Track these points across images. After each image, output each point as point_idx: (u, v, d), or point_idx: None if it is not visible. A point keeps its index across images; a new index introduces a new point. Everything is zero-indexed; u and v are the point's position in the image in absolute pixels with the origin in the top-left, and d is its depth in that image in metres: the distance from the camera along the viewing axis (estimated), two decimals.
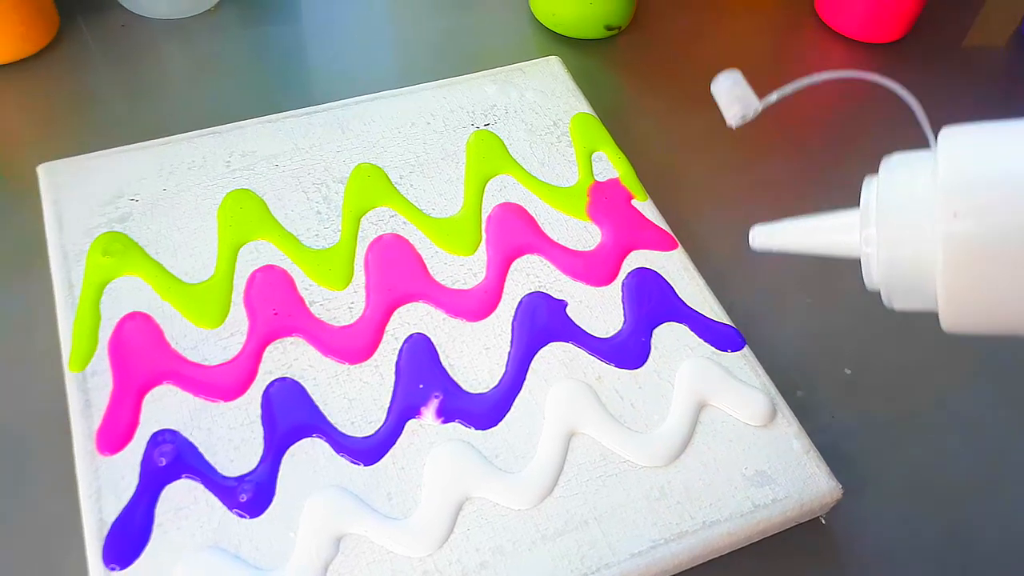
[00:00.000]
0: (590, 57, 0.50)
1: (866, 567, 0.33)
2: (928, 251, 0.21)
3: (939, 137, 0.21)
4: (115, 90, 0.45)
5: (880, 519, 0.34)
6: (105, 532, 0.28)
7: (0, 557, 0.30)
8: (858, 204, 0.22)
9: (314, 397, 0.32)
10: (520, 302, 0.36)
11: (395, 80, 0.45)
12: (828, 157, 0.47)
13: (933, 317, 0.21)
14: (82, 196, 0.37)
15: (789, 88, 0.24)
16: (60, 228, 0.36)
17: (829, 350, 0.39)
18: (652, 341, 0.35)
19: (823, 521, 0.33)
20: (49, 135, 0.42)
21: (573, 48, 0.51)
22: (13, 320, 0.35)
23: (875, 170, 0.22)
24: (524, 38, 0.51)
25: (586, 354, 0.34)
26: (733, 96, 0.25)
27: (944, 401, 0.38)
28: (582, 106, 0.44)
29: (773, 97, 0.24)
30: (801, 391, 0.37)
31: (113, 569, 0.28)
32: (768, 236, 0.25)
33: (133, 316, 0.34)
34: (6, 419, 0.32)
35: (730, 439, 0.33)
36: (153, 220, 0.37)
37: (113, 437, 0.30)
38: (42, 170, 0.38)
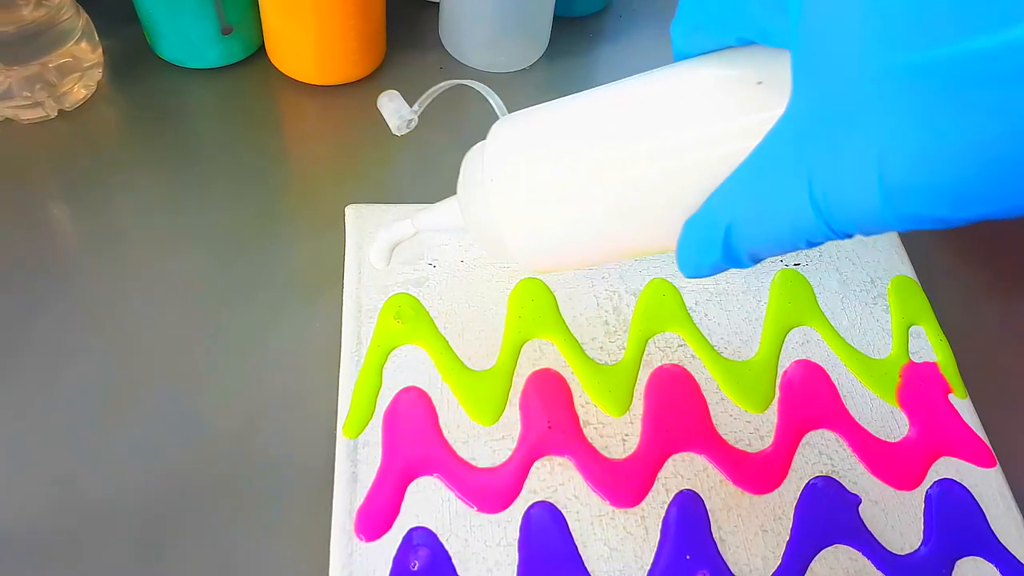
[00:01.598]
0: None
1: None
2: (486, 212, 0.26)
3: (496, 123, 0.27)
4: (422, 133, 0.45)
5: None
6: None
7: None
8: None
9: (574, 534, 0.30)
10: (808, 484, 0.32)
11: None
12: None
13: None
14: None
15: (427, 95, 0.36)
16: (359, 279, 0.36)
17: None
18: (953, 574, 0.31)
19: None
20: (355, 165, 0.43)
21: None
22: (289, 359, 0.35)
23: None
24: None
25: (875, 569, 0.30)
26: (391, 110, 0.37)
27: None
28: (905, 267, 0.39)
29: (416, 106, 0.36)
30: None
31: None
32: (413, 225, 0.33)
33: (412, 390, 0.33)
34: (273, 458, 0.32)
35: None
36: (447, 291, 0.36)
37: (373, 522, 0.29)
38: (350, 212, 0.38)
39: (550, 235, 0.25)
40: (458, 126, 0.45)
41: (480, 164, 0.27)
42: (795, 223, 0.19)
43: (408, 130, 0.37)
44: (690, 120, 0.22)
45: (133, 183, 0.40)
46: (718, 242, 0.21)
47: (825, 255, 0.39)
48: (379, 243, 0.35)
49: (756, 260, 0.22)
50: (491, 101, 0.35)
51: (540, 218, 0.25)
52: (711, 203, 0.22)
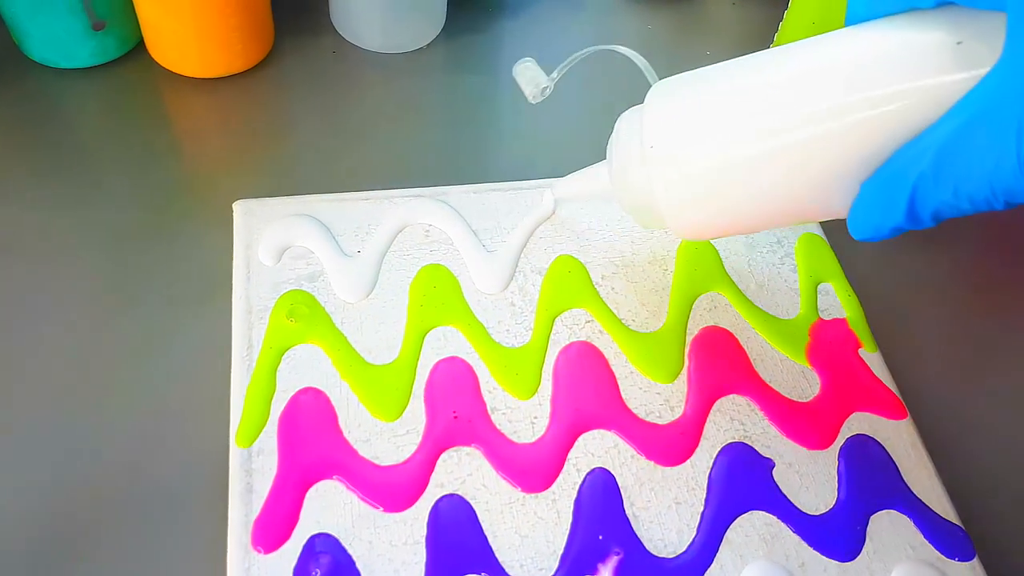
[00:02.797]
0: None
1: None
2: (643, 178, 0.27)
3: (651, 88, 0.27)
4: (316, 121, 0.43)
5: None
6: None
7: None
8: None
9: (484, 525, 0.29)
10: (720, 451, 0.32)
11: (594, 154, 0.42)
12: None
13: None
14: (275, 244, 0.35)
15: (567, 62, 0.36)
16: (248, 279, 0.34)
17: None
18: (868, 530, 0.30)
19: None
20: (245, 159, 0.41)
21: None
22: (183, 366, 0.33)
23: None
24: None
25: (791, 532, 0.30)
26: (527, 78, 0.36)
27: None
28: (811, 224, 0.39)
29: (555, 74, 0.36)
30: None
31: None
32: (554, 194, 0.36)
33: (308, 391, 0.32)
34: (164, 472, 0.31)
35: None
36: (344, 283, 0.34)
37: (271, 533, 0.28)
38: (238, 208, 0.36)
39: (713, 202, 0.26)
40: (347, 113, 0.43)
41: (638, 129, 0.27)
42: (995, 181, 0.20)
43: (542, 98, 0.37)
44: (880, 79, 0.22)
45: (9, 191, 0.38)
46: (902, 202, 0.22)
47: None
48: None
49: (938, 220, 0.22)
50: (639, 64, 0.35)
51: (704, 185, 0.25)
52: (897, 162, 0.22)
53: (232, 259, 0.35)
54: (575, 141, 0.43)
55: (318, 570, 0.28)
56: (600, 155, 0.33)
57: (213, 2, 0.39)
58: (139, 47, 0.44)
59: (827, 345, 0.35)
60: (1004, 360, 0.38)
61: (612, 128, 0.31)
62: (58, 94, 0.42)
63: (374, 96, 0.45)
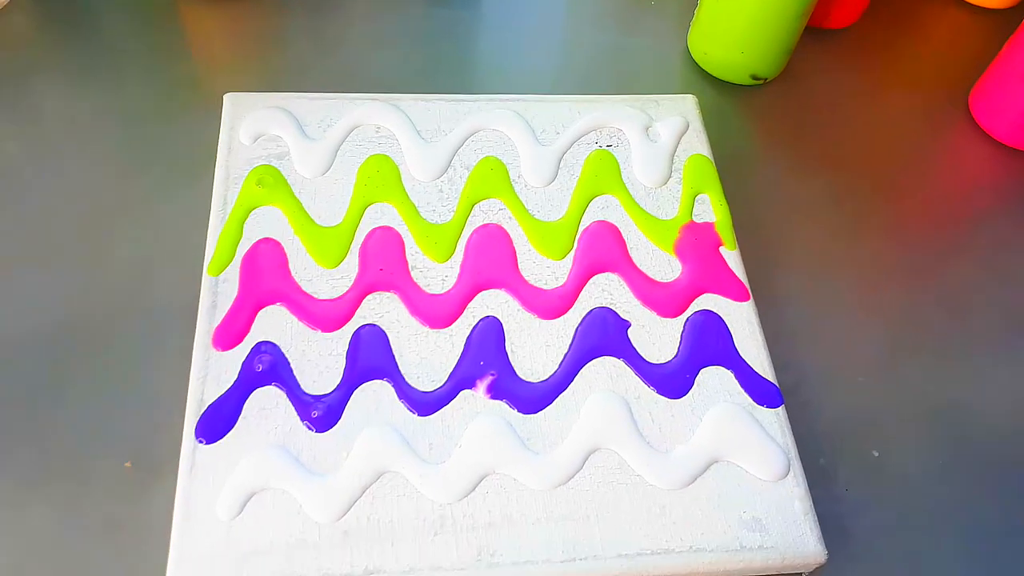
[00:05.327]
0: (732, 101, 0.53)
1: None
2: None
3: None
4: (302, 34, 0.51)
5: None
6: (201, 411, 0.35)
7: (114, 412, 0.37)
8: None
9: (393, 347, 0.38)
10: (589, 312, 0.40)
11: (545, 84, 0.50)
12: (943, 245, 0.48)
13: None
14: (254, 129, 0.43)
15: None
16: (228, 152, 0.43)
17: (864, 430, 0.41)
18: (697, 378, 0.39)
19: None
20: (239, 61, 0.49)
21: (718, 89, 0.54)
22: (174, 221, 0.42)
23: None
24: (673, 69, 0.55)
25: (633, 373, 0.38)
26: None
27: (957, 512, 0.39)
28: (702, 148, 0.47)
29: None
30: (824, 460, 0.39)
31: (200, 442, 0.34)
32: None
33: (267, 241, 0.40)
34: (154, 303, 0.39)
35: (738, 483, 0.36)
36: (304, 163, 0.43)
37: (227, 337, 0.37)
38: (228, 99, 0.45)
39: None
40: (329, 28, 0.51)
41: None
42: None
43: None
44: None
45: (46, 78, 0.46)
46: None
47: (634, 139, 0.47)
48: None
49: None
50: None
51: None
52: None
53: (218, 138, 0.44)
54: (511, 63, 0.51)
55: (261, 365, 0.36)
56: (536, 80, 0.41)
57: None
58: None
59: (693, 241, 0.43)
60: (846, 268, 0.46)
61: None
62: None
63: (357, 17, 0.53)
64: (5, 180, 0.43)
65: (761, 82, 0.54)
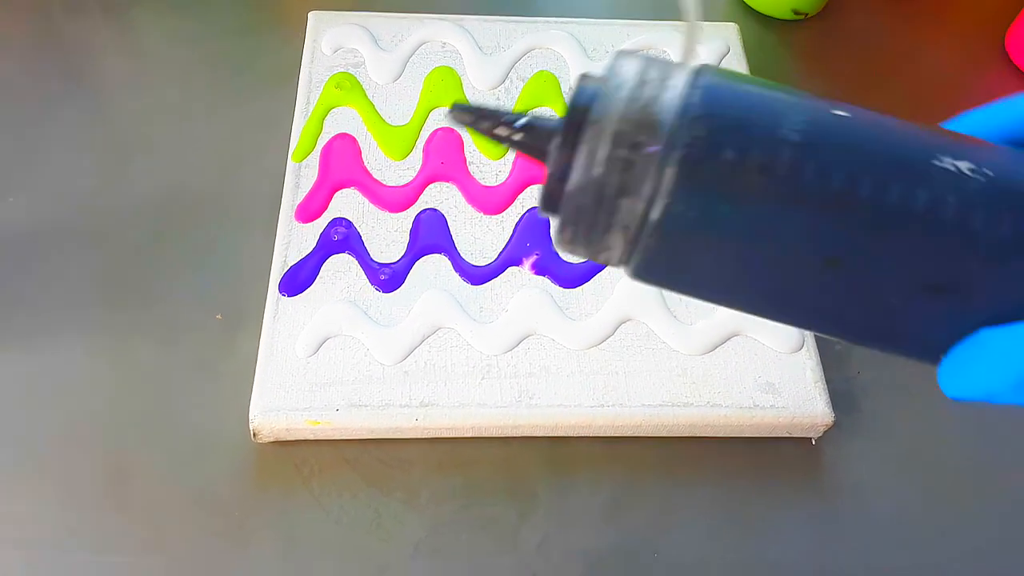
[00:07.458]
0: (773, 35, 0.57)
1: (839, 489, 0.40)
2: None
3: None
4: None
5: (866, 457, 0.40)
6: (284, 271, 0.41)
7: (207, 275, 0.43)
8: None
9: (452, 228, 0.43)
10: None
11: (597, 10, 0.54)
12: None
13: None
14: (334, 42, 0.49)
15: None
16: (312, 61, 0.48)
17: None
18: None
19: (813, 442, 0.40)
20: None
21: (760, 22, 0.57)
22: (264, 119, 0.48)
23: None
24: (717, 2, 0.58)
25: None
26: None
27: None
28: (742, 71, 0.51)
29: None
30: (840, 345, 0.43)
31: (284, 295, 0.40)
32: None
33: (344, 136, 0.45)
34: (243, 185, 0.45)
35: (755, 353, 0.40)
36: (378, 71, 0.48)
37: (308, 212, 0.42)
38: (312, 16, 0.50)
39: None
40: None
41: None
42: None
43: None
44: None
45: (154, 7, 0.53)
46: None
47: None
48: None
49: None
50: None
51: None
52: None
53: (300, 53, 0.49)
54: None
55: (337, 236, 0.42)
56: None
57: None
58: None
59: None
60: None
61: None
62: None
63: None
64: (118, 87, 0.49)
65: (802, 17, 0.57)
